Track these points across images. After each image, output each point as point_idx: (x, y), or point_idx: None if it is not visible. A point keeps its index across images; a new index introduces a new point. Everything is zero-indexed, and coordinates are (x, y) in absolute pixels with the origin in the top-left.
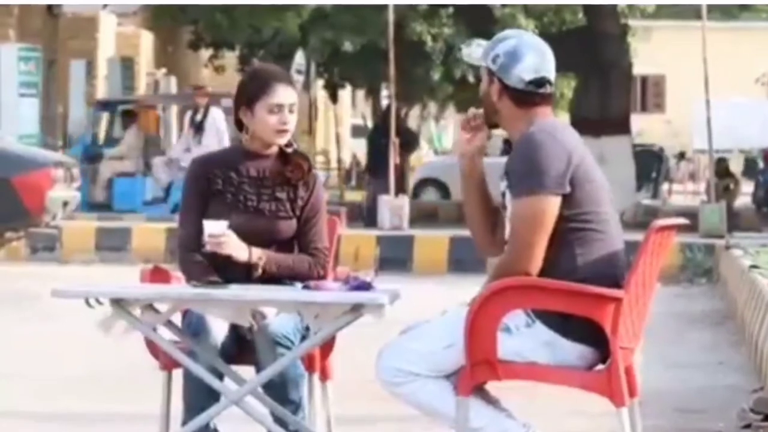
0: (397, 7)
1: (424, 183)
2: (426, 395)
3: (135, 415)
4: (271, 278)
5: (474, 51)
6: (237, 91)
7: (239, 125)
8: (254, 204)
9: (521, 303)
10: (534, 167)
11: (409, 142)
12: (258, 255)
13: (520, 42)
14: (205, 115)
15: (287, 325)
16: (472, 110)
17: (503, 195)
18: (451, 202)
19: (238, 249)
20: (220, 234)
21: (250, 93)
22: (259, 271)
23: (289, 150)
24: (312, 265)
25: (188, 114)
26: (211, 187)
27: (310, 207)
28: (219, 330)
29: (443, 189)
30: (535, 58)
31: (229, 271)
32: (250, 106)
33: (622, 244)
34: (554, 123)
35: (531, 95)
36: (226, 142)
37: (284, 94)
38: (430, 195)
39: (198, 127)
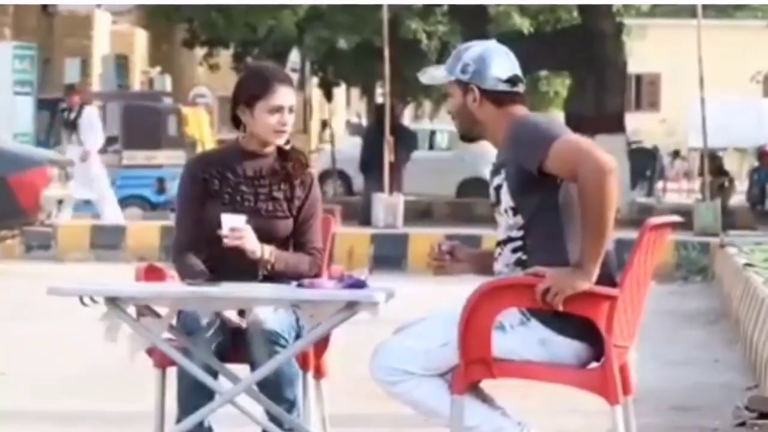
0: (392, 5)
1: (325, 175)
2: (421, 394)
3: (130, 413)
4: (274, 276)
5: (435, 73)
6: (236, 89)
7: (236, 122)
8: (251, 204)
9: (516, 301)
10: (540, 130)
11: (406, 140)
12: (269, 251)
13: (485, 47)
14: (78, 114)
15: (282, 323)
16: (435, 247)
17: (497, 189)
18: (446, 200)
19: (254, 244)
20: (241, 228)
21: (251, 92)
22: (269, 267)
23: (287, 147)
24: (311, 264)
25: (59, 114)
26: (207, 187)
27: (307, 207)
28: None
29: (347, 182)
30: (503, 58)
31: (235, 267)
32: (250, 105)
33: (612, 242)
34: (538, 114)
35: (509, 94)
36: (101, 138)
37: (285, 96)
38: (331, 188)
39: (72, 125)
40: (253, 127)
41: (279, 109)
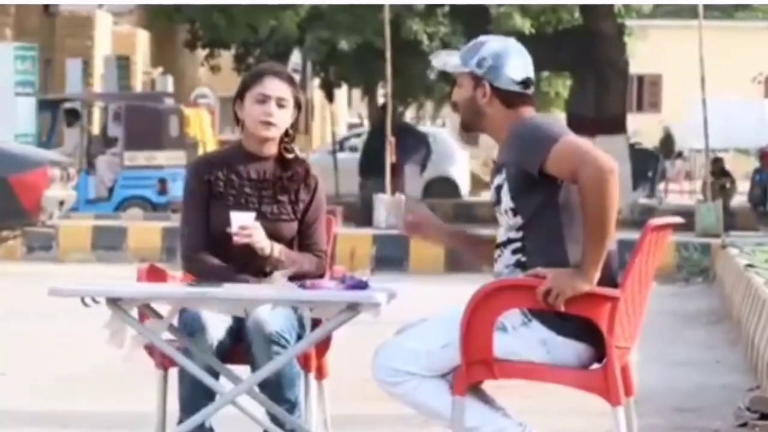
0: (393, 6)
1: None
2: (422, 395)
3: (131, 413)
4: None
5: (448, 59)
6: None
7: (238, 121)
8: (256, 206)
9: (517, 302)
10: (541, 132)
11: (414, 144)
12: (278, 249)
13: (505, 45)
14: None
15: (283, 324)
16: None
17: (498, 189)
18: (448, 201)
19: (264, 241)
20: (250, 226)
21: (243, 85)
22: (280, 266)
23: (290, 156)
24: (318, 265)
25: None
26: (212, 189)
27: (312, 210)
28: (215, 329)
29: None
30: (521, 59)
31: (242, 268)
32: (242, 98)
33: (615, 242)
34: (541, 116)
35: (520, 95)
36: None
37: (271, 85)
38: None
39: None
40: (245, 121)
41: (265, 99)
